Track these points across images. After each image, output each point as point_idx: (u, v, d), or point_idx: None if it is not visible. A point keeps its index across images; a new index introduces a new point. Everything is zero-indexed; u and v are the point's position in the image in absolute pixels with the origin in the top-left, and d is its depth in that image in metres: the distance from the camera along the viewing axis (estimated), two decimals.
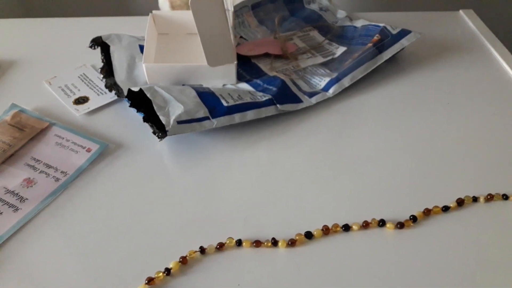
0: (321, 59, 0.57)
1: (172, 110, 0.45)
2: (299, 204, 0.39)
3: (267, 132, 0.47)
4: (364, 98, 0.52)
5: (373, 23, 0.59)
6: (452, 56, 0.59)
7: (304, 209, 0.39)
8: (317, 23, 0.63)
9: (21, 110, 0.48)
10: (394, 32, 0.56)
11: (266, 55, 0.57)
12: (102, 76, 0.52)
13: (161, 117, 0.43)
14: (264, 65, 0.56)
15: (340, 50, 0.58)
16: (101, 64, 0.54)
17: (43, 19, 0.68)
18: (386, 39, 0.55)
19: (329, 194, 0.40)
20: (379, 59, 0.53)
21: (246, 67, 0.55)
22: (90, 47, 0.54)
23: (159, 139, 0.43)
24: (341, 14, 0.65)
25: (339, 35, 0.61)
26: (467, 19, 0.67)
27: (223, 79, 0.52)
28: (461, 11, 0.69)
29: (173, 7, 0.74)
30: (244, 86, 0.52)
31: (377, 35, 0.55)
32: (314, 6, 0.66)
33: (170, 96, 0.46)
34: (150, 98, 0.45)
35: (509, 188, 0.41)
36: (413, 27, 0.64)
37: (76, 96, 0.51)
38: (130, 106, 0.47)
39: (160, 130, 0.44)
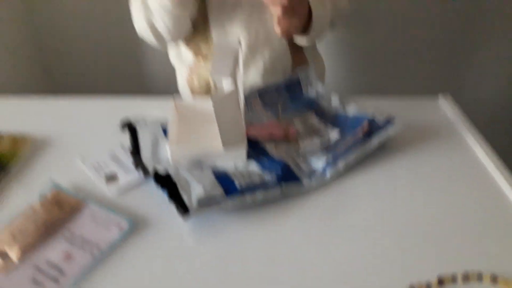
0: (318, 143, 0.65)
1: (193, 191, 0.52)
2: (300, 278, 0.45)
3: (272, 212, 0.54)
4: (356, 180, 0.59)
5: (363, 112, 0.68)
6: (431, 141, 0.68)
7: (304, 283, 0.45)
8: (314, 108, 0.72)
9: (59, 187, 0.55)
10: (381, 122, 0.65)
11: (271, 137, 0.66)
12: (130, 155, 0.60)
13: (184, 199, 0.50)
14: (269, 146, 0.64)
15: (335, 134, 0.67)
16: (129, 144, 0.62)
17: (73, 98, 0.77)
18: (374, 129, 0.64)
19: (324, 269, 0.47)
20: (368, 146, 0.62)
21: (254, 148, 0.63)
22: (121, 128, 0.62)
23: (183, 219, 0.50)
24: (334, 100, 0.74)
25: (334, 120, 0.70)
26: (445, 106, 0.77)
27: (234, 159, 0.60)
28: (440, 98, 0.79)
29: (192, 91, 0.84)
30: (253, 166, 0.60)
31: (366, 123, 0.64)
32: (311, 93, 0.76)
33: (191, 177, 0.54)
34: (175, 181, 0.52)
35: (484, 265, 0.47)
36: (397, 112, 0.73)
37: (107, 174, 0.58)
38: (156, 183, 0.55)
39: (183, 208, 0.51)
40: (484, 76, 1.36)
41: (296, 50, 0.81)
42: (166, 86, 1.28)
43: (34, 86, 1.29)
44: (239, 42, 0.60)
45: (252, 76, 0.79)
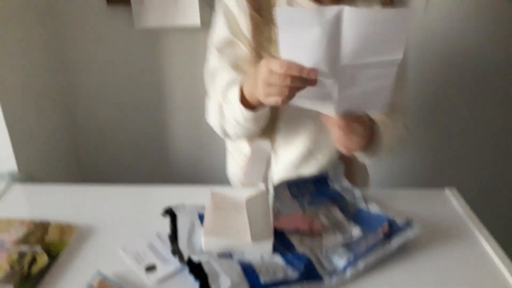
0: (340, 239, 0.70)
1: (222, 284, 0.57)
2: None
3: None
4: (375, 279, 0.63)
5: (383, 212, 0.73)
6: (442, 237, 0.72)
7: None
8: (339, 203, 0.78)
9: (104, 276, 0.60)
10: (400, 224, 0.69)
11: (296, 231, 0.71)
12: (169, 241, 0.65)
13: None
14: (294, 239, 0.70)
15: (357, 231, 0.71)
16: (167, 231, 0.68)
17: (114, 186, 0.84)
18: (394, 230, 0.68)
19: None
20: (388, 248, 0.66)
21: (280, 240, 0.69)
22: (162, 214, 0.68)
23: None
24: (357, 194, 0.80)
25: (356, 216, 0.75)
26: (452, 198, 0.83)
27: (261, 251, 0.65)
28: (446, 190, 0.85)
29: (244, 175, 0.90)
30: (278, 259, 0.64)
31: (386, 225, 0.69)
32: (336, 186, 0.82)
33: (221, 269, 0.59)
34: (207, 272, 0.58)
35: None
36: (407, 204, 0.79)
37: (146, 264, 0.63)
38: (189, 273, 0.60)
39: None
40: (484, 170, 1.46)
41: (346, 159, 0.85)
42: (190, 176, 1.42)
43: (69, 176, 1.43)
44: (271, 145, 0.68)
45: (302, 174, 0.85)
